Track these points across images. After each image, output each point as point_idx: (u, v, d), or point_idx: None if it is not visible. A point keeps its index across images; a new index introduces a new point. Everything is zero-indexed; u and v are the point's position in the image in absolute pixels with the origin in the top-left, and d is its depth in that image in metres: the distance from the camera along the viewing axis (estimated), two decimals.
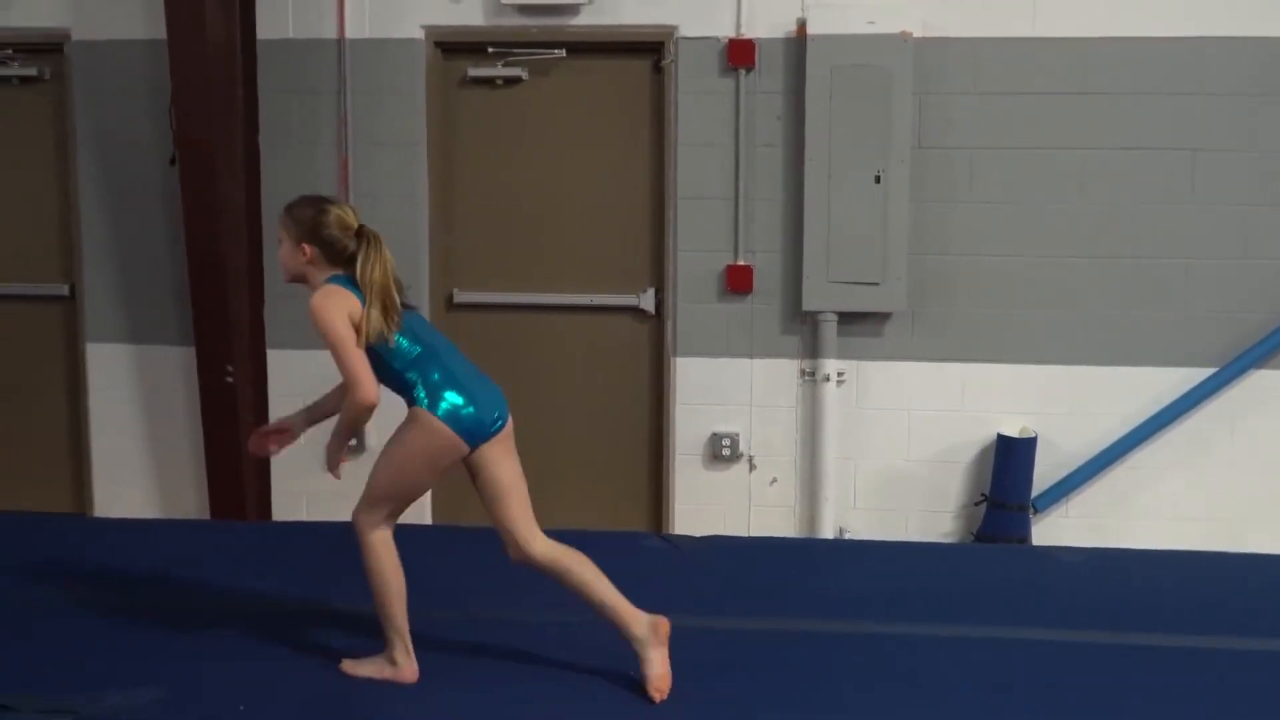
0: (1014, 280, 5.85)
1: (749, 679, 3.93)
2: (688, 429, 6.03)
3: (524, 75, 6.06)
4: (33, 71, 6.39)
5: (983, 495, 5.90)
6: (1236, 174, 5.70)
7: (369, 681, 3.85)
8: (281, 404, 6.09)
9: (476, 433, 3.78)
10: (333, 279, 3.75)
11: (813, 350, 5.94)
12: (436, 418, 3.70)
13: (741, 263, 5.92)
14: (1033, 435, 5.82)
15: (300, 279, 3.83)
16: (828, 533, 5.98)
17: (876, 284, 5.78)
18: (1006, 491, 5.82)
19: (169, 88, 5.78)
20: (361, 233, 3.77)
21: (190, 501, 6.33)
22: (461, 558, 4.89)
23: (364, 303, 3.68)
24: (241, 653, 4.11)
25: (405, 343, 3.77)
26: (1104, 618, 4.35)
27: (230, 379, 5.94)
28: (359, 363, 3.65)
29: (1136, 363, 5.80)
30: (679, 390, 6.04)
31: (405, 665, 3.84)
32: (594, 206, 6.13)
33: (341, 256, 3.75)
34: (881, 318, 5.90)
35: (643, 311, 6.12)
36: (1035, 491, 5.86)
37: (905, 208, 5.74)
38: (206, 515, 6.19)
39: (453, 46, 6.08)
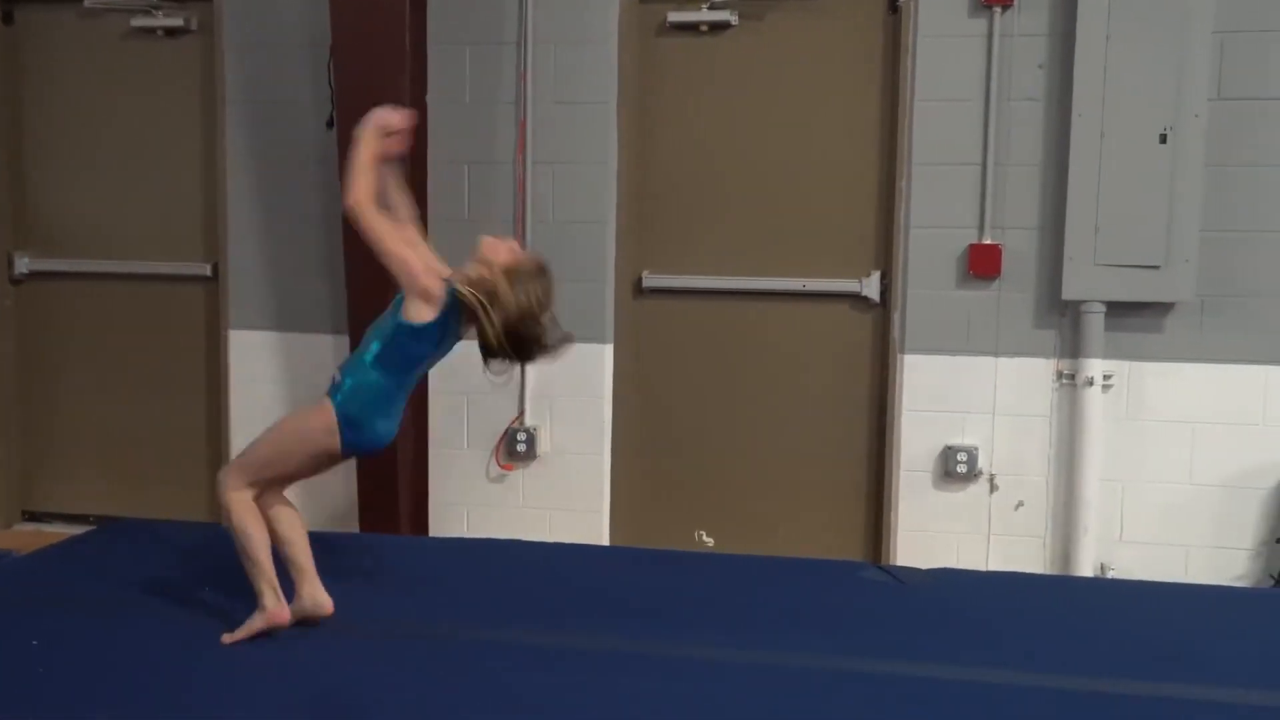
0: None
1: None
2: (916, 440, 5.45)
3: (733, 20, 5.52)
4: (179, 21, 5.99)
5: None
6: None
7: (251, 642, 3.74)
8: (442, 400, 5.69)
9: (355, 449, 3.80)
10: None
11: (1074, 348, 5.28)
12: (335, 415, 3.70)
13: (988, 241, 5.31)
14: None
15: None
16: (1086, 570, 5.31)
17: (1157, 268, 5.08)
18: None
19: (328, 39, 5.37)
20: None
21: (339, 510, 5.86)
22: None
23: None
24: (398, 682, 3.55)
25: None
26: None
27: None
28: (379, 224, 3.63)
29: None
30: (906, 394, 5.45)
31: (274, 608, 3.76)
32: (812, 175, 5.55)
33: None
34: (1162, 309, 5.20)
35: (866, 299, 5.54)
36: None
37: (1198, 174, 5.04)
38: (355, 527, 5.73)
39: None
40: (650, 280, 5.67)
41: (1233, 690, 3.60)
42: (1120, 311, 5.19)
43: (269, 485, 3.82)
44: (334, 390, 3.72)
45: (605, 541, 5.63)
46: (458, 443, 5.73)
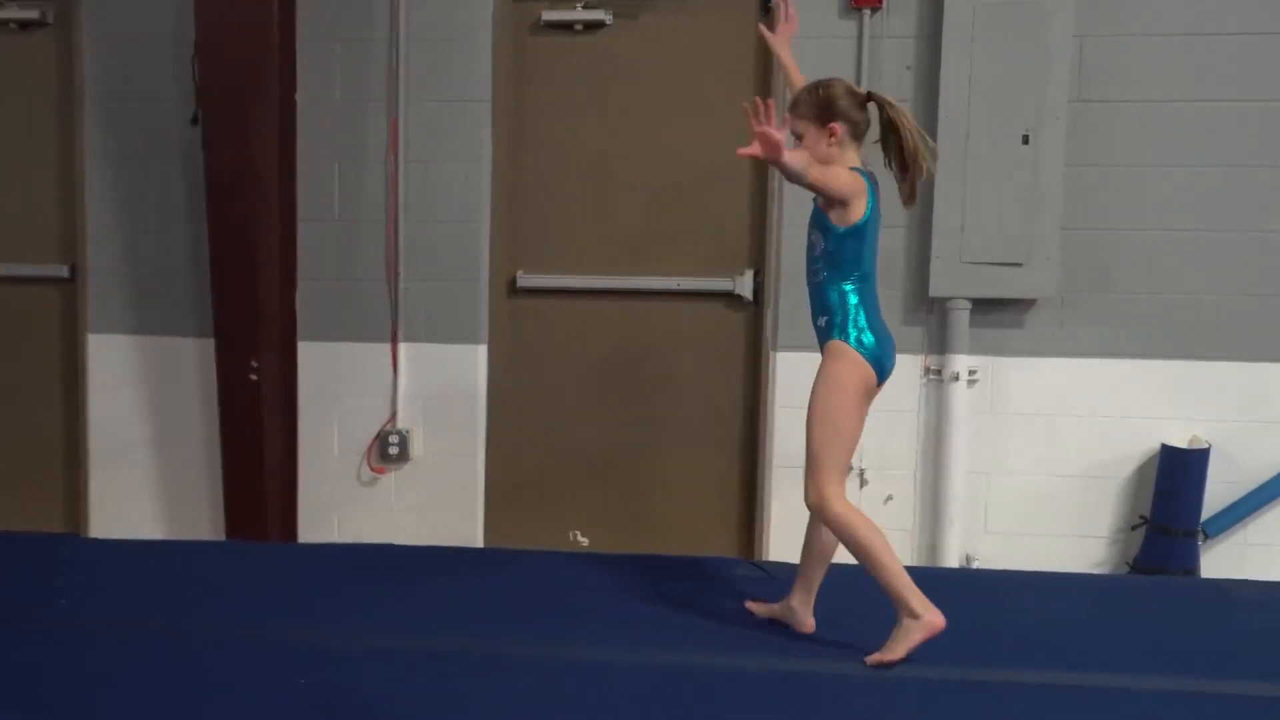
0: (1187, 260, 5.21)
1: None
2: (789, 437, 5.38)
3: (607, 19, 5.49)
4: (34, 14, 5.75)
5: (1142, 518, 5.25)
6: None
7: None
8: (313, 405, 5.56)
9: (880, 368, 3.81)
10: (855, 170, 3.77)
11: (940, 344, 5.33)
12: (855, 350, 3.74)
13: None
14: (1205, 446, 5.13)
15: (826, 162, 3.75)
16: (952, 561, 5.38)
17: (1020, 265, 5.14)
18: (1171, 513, 5.15)
19: (192, 34, 5.22)
20: (871, 99, 3.81)
21: (203, 519, 5.73)
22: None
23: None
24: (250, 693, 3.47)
25: (863, 250, 3.77)
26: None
27: (255, 375, 5.38)
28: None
29: None
30: (779, 391, 5.42)
31: (928, 614, 3.68)
32: (685, 175, 5.53)
33: (860, 132, 3.82)
34: (1024, 305, 5.28)
35: (739, 298, 5.52)
36: (1206, 513, 5.17)
37: (1059, 173, 5.12)
38: (221, 535, 5.61)
39: None
40: (525, 280, 5.59)
41: (1089, 675, 3.70)
42: (985, 308, 5.25)
43: (848, 464, 3.85)
44: (830, 332, 3.76)
45: (479, 544, 5.54)
46: (328, 446, 5.61)
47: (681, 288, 5.51)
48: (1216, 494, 5.18)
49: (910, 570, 5.07)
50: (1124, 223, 5.19)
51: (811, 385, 3.79)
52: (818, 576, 3.95)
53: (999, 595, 4.52)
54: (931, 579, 4.72)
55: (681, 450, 5.61)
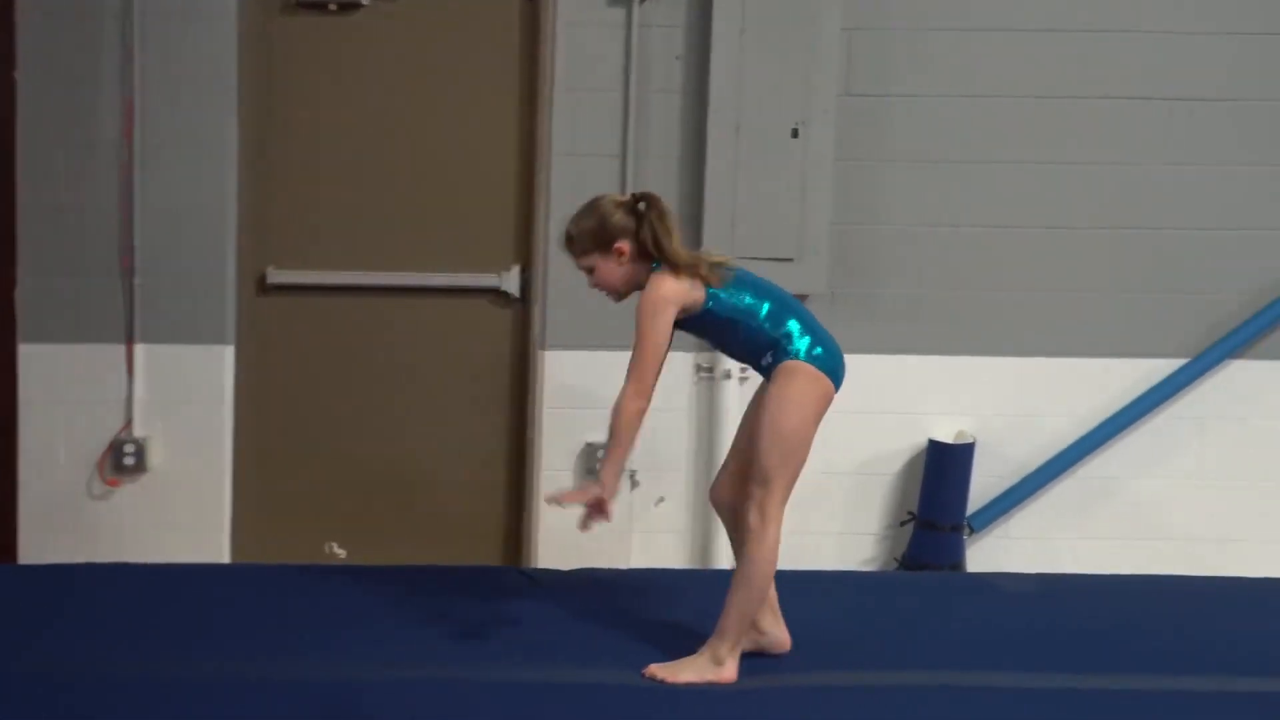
0: (955, 256, 5.29)
1: None
2: (556, 438, 5.33)
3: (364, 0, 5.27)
4: None
5: (910, 514, 5.31)
6: (1216, 127, 5.27)
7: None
8: (37, 413, 5.16)
9: (836, 377, 3.72)
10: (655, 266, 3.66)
11: None
12: (812, 365, 3.64)
13: None
14: (971, 440, 5.24)
15: (632, 287, 3.73)
16: (724, 563, 5.25)
17: (791, 260, 5.14)
18: (938, 508, 5.24)
19: None
20: (637, 202, 3.68)
21: None
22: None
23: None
24: None
25: (750, 298, 3.71)
26: (1057, 656, 3.90)
27: None
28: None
29: (1094, 354, 5.33)
30: (547, 391, 5.32)
31: (730, 665, 3.61)
32: (446, 165, 5.36)
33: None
34: None
35: (505, 295, 5.40)
36: (972, 508, 5.29)
37: (829, 168, 5.15)
38: None
39: None
40: (276, 276, 5.32)
41: (855, 674, 3.71)
42: None
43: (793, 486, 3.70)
44: (779, 357, 3.63)
45: (226, 560, 5.24)
46: (53, 457, 5.18)
47: (445, 284, 5.34)
48: (982, 488, 5.28)
49: (682, 573, 5.16)
50: (892, 219, 5.26)
51: (764, 403, 3.64)
52: (771, 592, 3.77)
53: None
54: (704, 581, 4.74)
55: (445, 455, 5.44)
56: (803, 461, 3.66)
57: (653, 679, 3.57)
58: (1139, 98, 5.22)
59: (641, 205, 3.63)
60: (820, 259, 5.14)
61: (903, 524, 5.35)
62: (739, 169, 5.11)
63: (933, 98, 5.21)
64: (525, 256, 5.34)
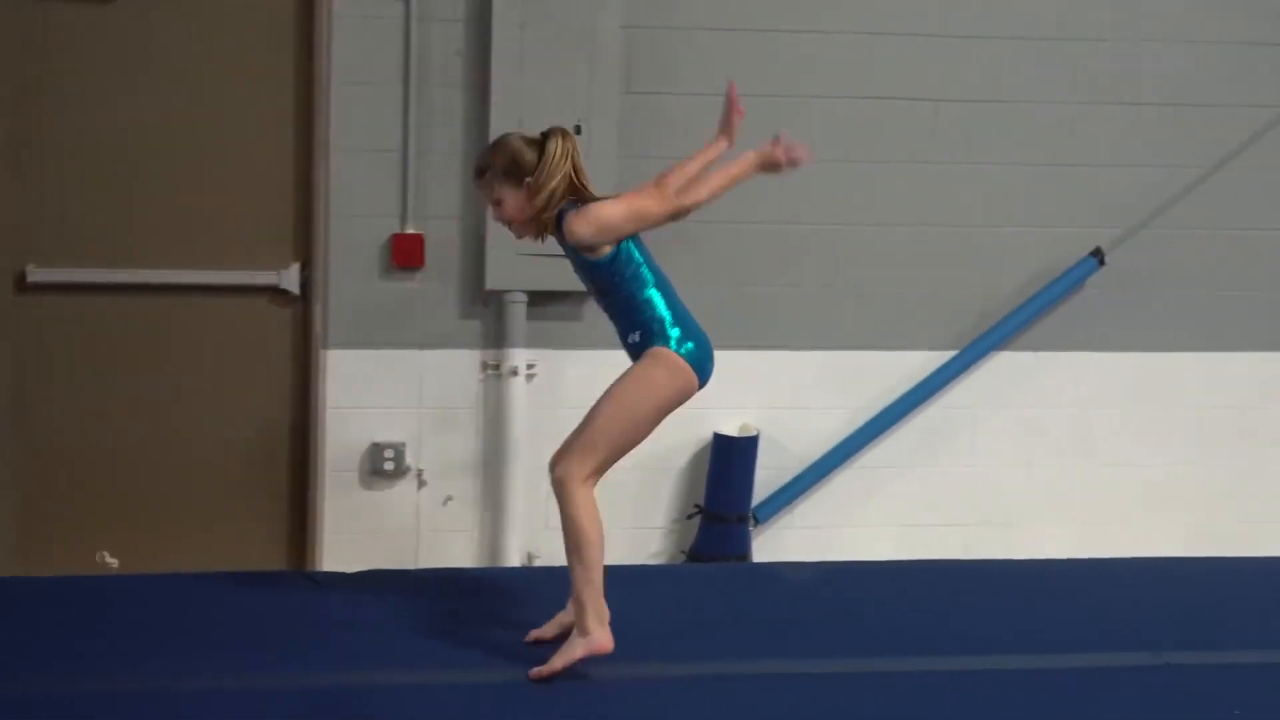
0: (737, 252, 5.35)
1: None
2: (340, 439, 5.26)
3: None
4: None
5: (697, 506, 5.37)
6: (979, 127, 5.42)
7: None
8: None
9: (703, 372, 3.71)
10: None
11: (498, 339, 5.28)
12: (681, 358, 3.63)
13: (411, 231, 5.19)
14: (754, 433, 5.32)
15: (532, 228, 3.78)
16: (515, 560, 5.34)
17: None
18: (724, 501, 5.31)
19: None
20: (547, 137, 3.68)
21: None
22: None
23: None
24: None
25: (641, 260, 3.72)
26: (841, 641, 3.99)
27: None
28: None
29: (871, 347, 5.44)
30: (330, 391, 5.24)
31: (599, 633, 3.61)
32: (220, 160, 5.21)
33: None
34: (580, 297, 5.23)
35: (285, 293, 5.29)
36: (756, 499, 5.37)
37: (612, 164, 5.12)
38: None
39: None
40: (36, 275, 5.10)
41: (644, 665, 3.72)
42: (542, 301, 5.24)
43: (610, 464, 3.69)
44: (648, 340, 3.63)
45: None
46: None
47: (221, 282, 5.20)
48: (766, 480, 5.36)
49: (470, 573, 5.13)
50: None
51: (621, 376, 3.68)
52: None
53: (561, 592, 4.32)
54: (493, 581, 4.76)
55: (223, 458, 5.31)
56: (631, 444, 3.72)
57: (540, 679, 3.54)
58: (905, 98, 5.35)
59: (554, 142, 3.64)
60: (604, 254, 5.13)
61: (689, 517, 5.40)
62: None
63: (712, 96, 5.16)
64: (305, 253, 5.24)
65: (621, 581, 4.54)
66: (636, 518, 5.43)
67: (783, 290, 5.39)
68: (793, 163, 3.74)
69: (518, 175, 3.64)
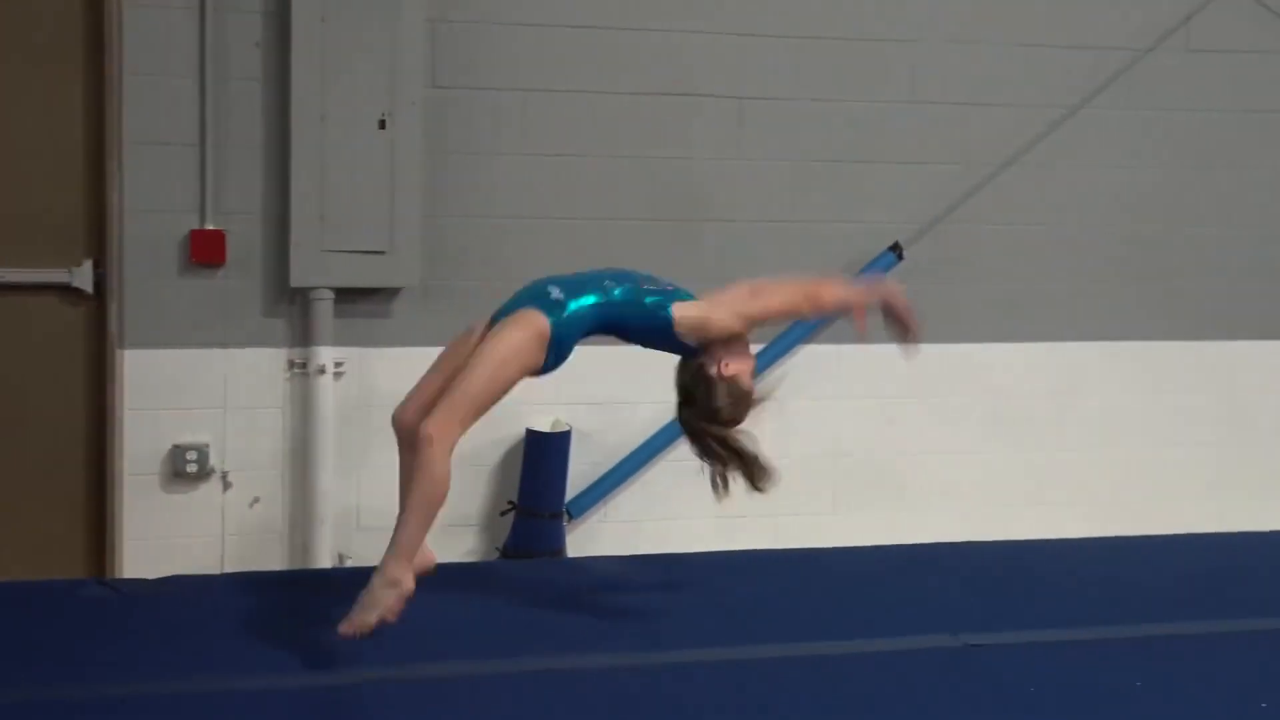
0: (546, 248, 5.28)
1: None
2: (140, 441, 5.12)
3: None
4: None
5: (511, 503, 5.34)
6: (780, 124, 5.48)
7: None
8: None
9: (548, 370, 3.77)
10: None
11: (304, 337, 5.17)
12: (551, 332, 3.64)
13: (210, 227, 5.05)
14: (566, 429, 5.32)
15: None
16: (325, 561, 5.25)
17: (383, 253, 5.09)
18: (537, 497, 5.29)
19: None
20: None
21: None
22: None
23: None
24: None
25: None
26: (657, 634, 3.95)
27: None
28: None
29: None
30: (128, 392, 5.08)
31: (407, 580, 3.52)
32: (3, 153, 4.99)
33: None
34: (389, 294, 5.22)
35: (77, 291, 5.08)
36: (570, 495, 5.37)
37: (418, 160, 5.10)
38: None
39: None
40: None
41: (449, 664, 3.64)
42: (350, 298, 5.15)
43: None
44: (553, 308, 3.64)
45: None
46: None
47: (7, 280, 4.99)
48: (579, 475, 5.37)
49: (280, 575, 5.03)
50: (483, 211, 5.25)
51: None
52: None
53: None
54: (305, 582, 4.66)
55: (14, 463, 5.10)
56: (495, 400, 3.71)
57: (353, 636, 3.44)
58: (709, 95, 5.39)
59: None
60: (413, 252, 5.09)
61: (503, 514, 5.36)
62: (326, 160, 4.99)
63: (517, 91, 5.23)
64: (98, 250, 5.05)
65: (435, 580, 4.49)
66: (449, 515, 5.23)
67: None
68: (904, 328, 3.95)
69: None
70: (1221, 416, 6.02)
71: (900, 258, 5.50)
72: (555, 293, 3.72)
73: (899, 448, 5.75)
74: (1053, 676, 3.60)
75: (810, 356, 5.58)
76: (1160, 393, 5.99)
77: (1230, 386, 6.04)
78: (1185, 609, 4.09)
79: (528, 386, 5.24)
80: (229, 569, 5.15)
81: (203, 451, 5.12)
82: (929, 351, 5.69)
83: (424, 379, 3.91)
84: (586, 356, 5.26)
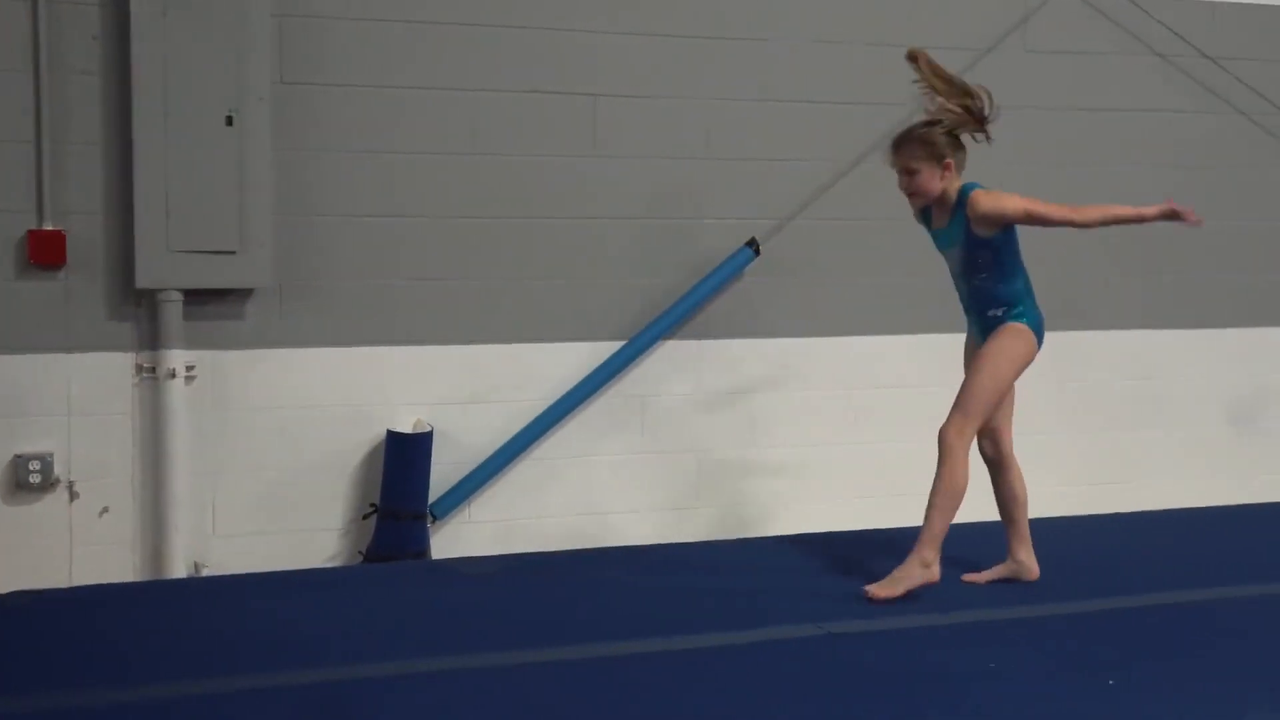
0: (403, 246, 5.28)
1: None
2: None
3: None
4: None
5: (372, 505, 5.26)
6: (638, 122, 5.48)
7: None
8: None
9: (1041, 338, 4.24)
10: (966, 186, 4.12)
11: (153, 340, 5.04)
12: (1031, 330, 4.16)
13: (49, 227, 4.91)
14: (428, 429, 5.25)
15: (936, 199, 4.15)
16: (179, 570, 5.12)
17: (233, 253, 4.98)
18: (400, 498, 5.22)
19: None
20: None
21: None
22: None
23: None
24: None
25: (1019, 250, 4.16)
26: (521, 634, 3.93)
27: None
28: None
29: (542, 339, 5.45)
30: None
31: (935, 566, 4.08)
32: None
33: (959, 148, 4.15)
34: (242, 295, 5.11)
35: None
36: (433, 496, 5.30)
37: (267, 157, 5.00)
38: None
39: None
40: None
41: (318, 670, 3.59)
42: (200, 299, 5.04)
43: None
44: (1005, 316, 4.10)
45: None
46: None
47: None
48: (443, 475, 5.30)
49: (128, 587, 4.86)
50: (336, 209, 5.17)
51: (986, 350, 4.11)
52: (1024, 519, 4.29)
53: (233, 601, 4.27)
54: (158, 592, 4.59)
55: None
56: (999, 404, 4.20)
57: (876, 598, 3.99)
58: (562, 93, 5.37)
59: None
60: (264, 251, 5.00)
61: (365, 517, 5.29)
62: (170, 157, 4.88)
63: (367, 88, 5.16)
64: None
65: (296, 587, 4.46)
66: (311, 520, 5.28)
67: (452, 284, 5.34)
68: (1194, 223, 4.11)
69: (937, 157, 4.05)
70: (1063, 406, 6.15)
71: (757, 253, 5.54)
72: (996, 312, 4.19)
73: (759, 441, 5.77)
74: (911, 666, 3.65)
75: (672, 351, 5.59)
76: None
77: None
78: (1039, 592, 4.19)
79: (389, 387, 5.27)
80: (76, 582, 4.99)
81: (46, 461, 4.97)
82: (789, 345, 5.81)
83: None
84: (448, 356, 5.33)
